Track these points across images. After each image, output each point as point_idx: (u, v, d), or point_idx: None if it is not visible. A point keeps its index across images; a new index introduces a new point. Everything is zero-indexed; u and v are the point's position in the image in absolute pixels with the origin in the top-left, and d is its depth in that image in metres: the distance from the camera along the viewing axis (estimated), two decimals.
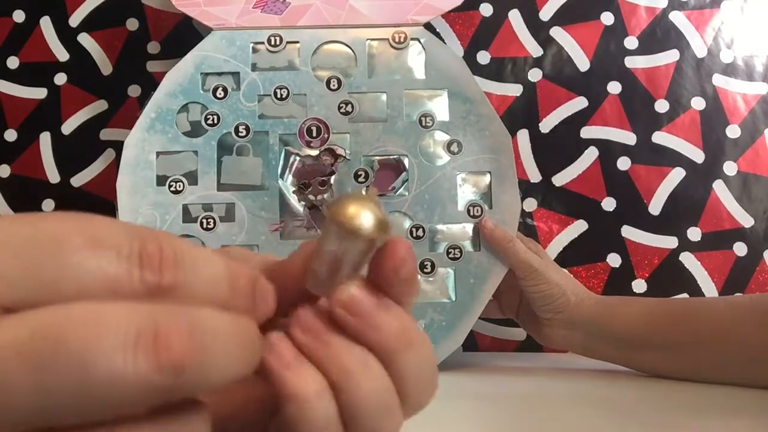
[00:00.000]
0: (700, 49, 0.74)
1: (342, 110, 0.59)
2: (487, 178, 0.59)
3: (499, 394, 0.47)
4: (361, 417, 0.18)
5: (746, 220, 0.71)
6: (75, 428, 0.13)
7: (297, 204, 0.59)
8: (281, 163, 0.59)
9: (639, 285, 0.71)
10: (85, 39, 0.75)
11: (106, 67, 0.75)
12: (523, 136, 0.73)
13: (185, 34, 0.73)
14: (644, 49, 0.74)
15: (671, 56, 0.74)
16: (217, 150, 0.59)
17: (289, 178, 0.59)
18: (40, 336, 0.12)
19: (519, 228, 0.60)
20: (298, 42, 0.60)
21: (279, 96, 0.59)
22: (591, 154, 0.73)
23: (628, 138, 0.73)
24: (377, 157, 0.60)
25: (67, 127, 0.74)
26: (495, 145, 0.59)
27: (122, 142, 0.58)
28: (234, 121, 0.59)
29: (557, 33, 0.74)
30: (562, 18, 0.74)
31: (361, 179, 0.59)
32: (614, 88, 0.73)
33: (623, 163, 0.72)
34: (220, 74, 0.60)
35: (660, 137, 0.73)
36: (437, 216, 0.59)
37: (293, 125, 0.59)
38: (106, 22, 0.75)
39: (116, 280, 0.14)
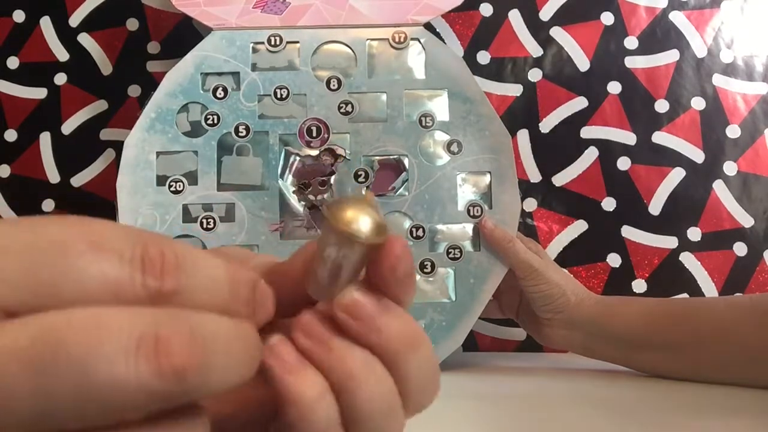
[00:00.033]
0: (700, 49, 0.74)
1: (342, 110, 0.59)
2: (487, 178, 0.59)
3: (499, 394, 0.47)
4: (364, 419, 0.18)
5: (746, 220, 0.71)
6: None
7: (297, 204, 0.59)
8: (281, 163, 0.59)
9: (639, 285, 0.71)
10: (85, 39, 0.75)
11: (106, 67, 0.75)
12: (523, 136, 0.73)
13: (185, 34, 0.73)
14: (644, 49, 0.74)
15: (671, 56, 0.74)
16: (217, 150, 0.59)
17: (289, 178, 0.59)
18: (41, 340, 0.12)
19: (519, 228, 0.60)
20: (298, 42, 0.60)
21: (279, 96, 0.59)
22: (591, 154, 0.73)
23: (628, 138, 0.73)
24: (377, 157, 0.60)
25: (67, 127, 0.74)
26: (495, 145, 0.59)
27: (122, 142, 0.58)
28: (234, 121, 0.59)
29: (557, 33, 0.74)
30: (562, 18, 0.74)
31: (361, 179, 0.59)
32: (614, 88, 0.73)
33: (623, 163, 0.72)
34: (220, 74, 0.60)
35: (660, 137, 0.73)
36: (437, 216, 0.59)
37: (293, 125, 0.59)
38: (106, 22, 0.75)
39: (118, 285, 0.14)
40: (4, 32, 0.76)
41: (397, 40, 0.60)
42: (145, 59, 0.75)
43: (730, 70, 0.74)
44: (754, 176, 0.72)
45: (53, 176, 0.74)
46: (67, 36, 0.75)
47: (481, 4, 0.75)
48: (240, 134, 0.59)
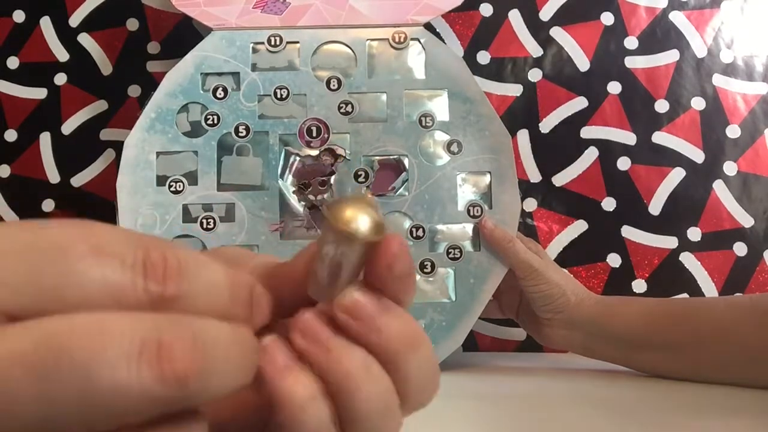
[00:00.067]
0: (700, 49, 0.74)
1: (342, 110, 0.59)
2: (487, 178, 0.59)
3: (499, 394, 0.47)
4: (362, 419, 0.18)
5: (746, 220, 0.71)
6: None
7: (297, 204, 0.59)
8: (281, 163, 0.59)
9: (639, 285, 0.71)
10: (85, 39, 0.75)
11: (106, 67, 0.75)
12: (523, 136, 0.73)
13: (185, 34, 0.73)
14: (644, 49, 0.74)
15: (671, 56, 0.74)
16: (217, 150, 0.59)
17: (289, 178, 0.60)
18: (44, 345, 0.12)
19: (519, 228, 0.60)
20: (298, 42, 0.60)
21: (279, 96, 0.59)
22: (591, 154, 0.73)
23: (628, 138, 0.73)
24: (377, 157, 0.60)
25: (67, 127, 0.74)
26: (495, 145, 0.59)
27: (122, 142, 0.58)
28: (234, 121, 0.59)
29: (557, 33, 0.74)
30: (562, 18, 0.74)
31: (361, 179, 0.59)
32: (614, 88, 0.73)
33: (623, 163, 0.72)
34: (220, 74, 0.60)
35: (660, 137, 0.73)
36: (437, 216, 0.59)
37: (293, 125, 0.59)
38: (106, 22, 0.75)
39: (120, 290, 0.14)
40: (4, 32, 0.76)
41: (397, 40, 0.60)
42: (145, 59, 0.75)
43: (730, 70, 0.74)
44: (754, 176, 0.72)
45: (53, 176, 0.74)
46: (67, 36, 0.75)
47: (481, 4, 0.75)
48: (240, 134, 0.59)
